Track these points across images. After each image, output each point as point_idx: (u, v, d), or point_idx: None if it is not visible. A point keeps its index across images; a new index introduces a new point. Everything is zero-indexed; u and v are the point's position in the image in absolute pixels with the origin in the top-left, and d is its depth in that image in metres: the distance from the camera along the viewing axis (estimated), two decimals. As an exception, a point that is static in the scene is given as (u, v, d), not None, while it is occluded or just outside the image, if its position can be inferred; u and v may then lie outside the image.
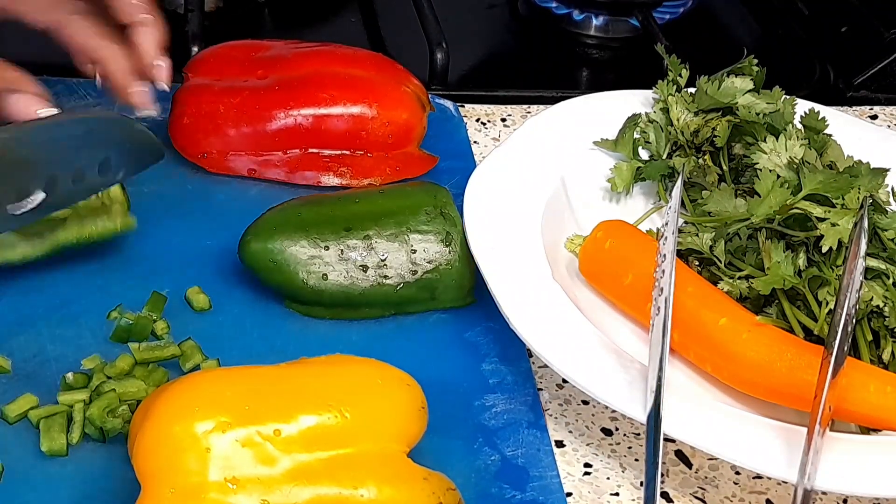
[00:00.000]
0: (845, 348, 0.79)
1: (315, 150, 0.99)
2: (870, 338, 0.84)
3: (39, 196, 0.83)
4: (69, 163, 0.84)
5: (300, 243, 0.88)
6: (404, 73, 1.03)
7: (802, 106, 0.99)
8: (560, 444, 0.84)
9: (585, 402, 0.87)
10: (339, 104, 0.98)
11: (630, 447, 0.84)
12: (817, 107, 0.99)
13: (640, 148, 1.01)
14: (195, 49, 1.16)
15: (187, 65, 1.03)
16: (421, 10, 1.25)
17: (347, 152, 1.00)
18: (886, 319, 0.85)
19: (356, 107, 0.99)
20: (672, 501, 0.81)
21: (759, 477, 0.83)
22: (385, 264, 0.89)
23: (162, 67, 0.91)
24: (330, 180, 0.99)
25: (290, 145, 0.99)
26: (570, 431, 0.85)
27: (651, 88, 1.04)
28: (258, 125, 0.98)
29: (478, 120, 1.14)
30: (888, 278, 0.85)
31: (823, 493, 0.81)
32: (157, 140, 0.89)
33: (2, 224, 0.83)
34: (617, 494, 0.81)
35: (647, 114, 1.02)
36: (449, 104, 1.12)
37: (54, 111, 0.86)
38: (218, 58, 1.02)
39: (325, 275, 0.88)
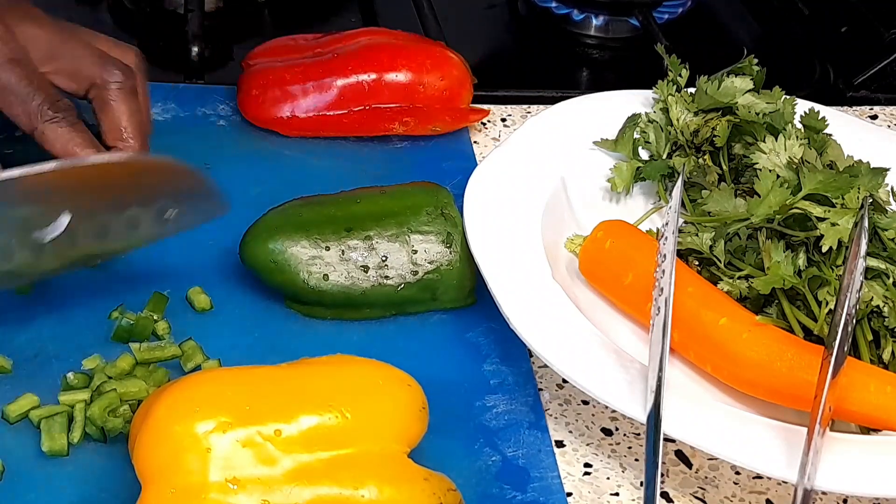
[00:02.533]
0: (845, 348, 0.79)
1: (379, 106, 1.06)
2: (870, 338, 0.85)
3: (64, 220, 0.80)
4: (112, 199, 0.82)
5: (301, 243, 0.88)
6: (446, 48, 1.10)
7: (802, 106, 0.99)
8: (560, 444, 0.84)
9: (585, 402, 0.87)
10: (396, 63, 1.06)
11: (630, 447, 0.84)
12: (817, 107, 0.99)
13: (640, 148, 1.01)
14: (195, 49, 1.17)
15: (246, 57, 1.09)
16: (421, 10, 1.25)
17: (408, 106, 1.06)
18: (886, 319, 0.85)
19: (412, 65, 1.06)
20: (672, 501, 0.81)
21: (759, 477, 0.83)
22: (386, 265, 0.89)
23: None
24: (398, 129, 1.07)
25: (355, 103, 1.06)
26: (570, 431, 0.85)
27: (651, 88, 1.04)
28: (323, 88, 1.06)
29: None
30: (888, 278, 0.85)
31: (823, 493, 0.81)
32: (222, 193, 0.86)
33: (36, 257, 0.82)
34: (617, 494, 0.81)
35: (647, 114, 1.02)
36: (449, 104, 1.12)
37: (98, 155, 0.84)
38: (275, 47, 1.10)
39: (326, 275, 0.88)
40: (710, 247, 0.90)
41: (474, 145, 1.10)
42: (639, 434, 0.85)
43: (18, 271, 0.83)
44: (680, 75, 1.02)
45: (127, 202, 0.83)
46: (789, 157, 0.92)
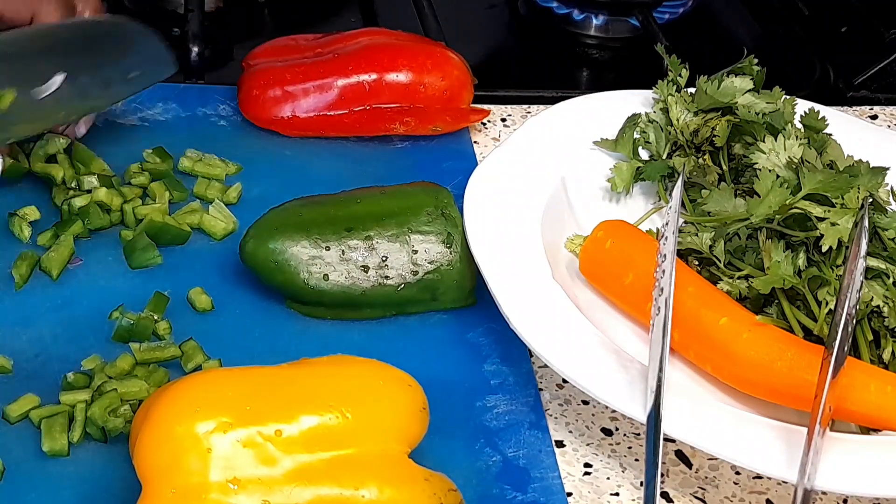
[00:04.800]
0: (845, 348, 0.79)
1: (379, 106, 1.06)
2: (870, 337, 0.85)
3: (59, 78, 0.90)
4: (90, 60, 0.94)
5: (301, 244, 0.88)
6: (447, 48, 1.11)
7: (802, 106, 0.99)
8: (560, 444, 0.84)
9: (585, 402, 0.87)
10: (396, 64, 1.06)
11: (630, 447, 0.84)
12: (817, 106, 0.99)
13: (640, 148, 1.01)
14: (195, 49, 1.17)
15: (246, 57, 1.09)
16: (421, 10, 1.25)
17: (409, 106, 1.06)
18: (886, 319, 0.85)
19: (413, 65, 1.07)
20: (672, 501, 0.81)
21: (759, 477, 0.83)
22: (386, 265, 0.89)
23: None
24: (398, 129, 1.07)
25: (356, 103, 1.06)
26: (571, 431, 0.85)
27: (651, 88, 1.04)
28: (324, 88, 1.06)
29: (478, 120, 1.14)
30: (888, 278, 0.85)
31: (823, 493, 0.81)
32: (172, 53, 0.99)
33: (29, 111, 0.90)
34: (617, 494, 0.81)
35: (647, 114, 1.02)
36: (449, 104, 1.12)
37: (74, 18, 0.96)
38: (276, 47, 1.10)
39: (327, 275, 0.88)
40: (710, 247, 0.90)
41: (474, 145, 1.10)
42: (639, 434, 0.85)
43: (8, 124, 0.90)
44: (680, 75, 1.02)
45: (101, 63, 0.94)
46: (789, 157, 0.92)
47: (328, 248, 0.88)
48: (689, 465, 0.83)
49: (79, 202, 0.93)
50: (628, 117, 1.02)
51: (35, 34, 0.94)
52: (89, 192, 0.94)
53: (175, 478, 0.69)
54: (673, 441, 0.83)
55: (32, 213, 0.93)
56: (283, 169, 1.04)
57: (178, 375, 0.83)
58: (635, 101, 1.05)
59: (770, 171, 0.90)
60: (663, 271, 0.84)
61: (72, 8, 0.98)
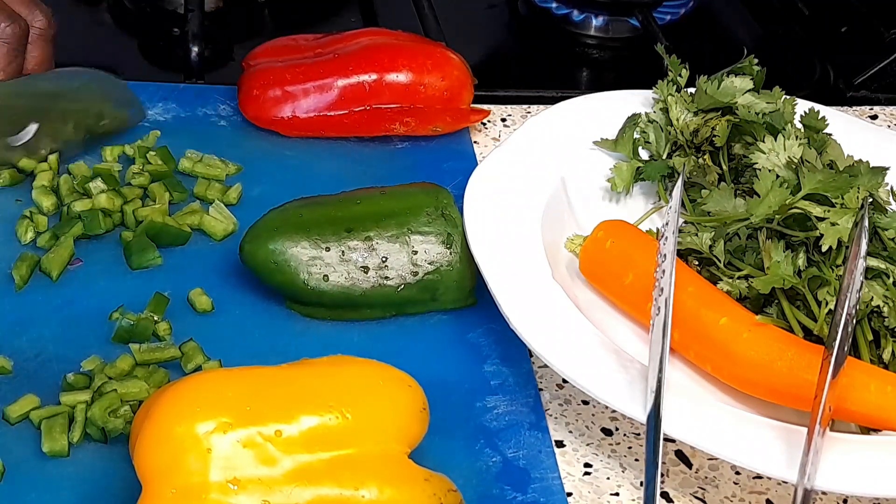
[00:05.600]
0: (845, 348, 0.79)
1: (380, 106, 1.06)
2: (870, 337, 0.85)
3: (33, 127, 0.97)
4: (65, 108, 0.99)
5: (301, 244, 0.88)
6: (447, 48, 1.11)
7: (802, 106, 0.99)
8: (560, 444, 0.84)
9: (585, 402, 0.87)
10: (396, 64, 1.06)
11: (630, 447, 0.84)
12: (817, 106, 0.99)
13: (640, 148, 1.01)
14: (195, 49, 1.17)
15: (247, 57, 1.10)
16: (421, 10, 1.25)
17: (409, 106, 1.06)
18: (886, 319, 0.85)
19: (413, 65, 1.07)
20: (672, 501, 0.81)
21: (759, 477, 0.83)
22: (386, 265, 0.89)
23: None
24: (398, 129, 1.07)
25: (356, 104, 1.06)
26: (571, 431, 0.85)
27: (651, 88, 1.04)
28: (324, 89, 1.06)
29: (478, 120, 1.14)
30: (888, 278, 0.85)
31: (823, 493, 0.81)
32: (140, 102, 1.06)
33: (3, 156, 0.97)
34: (617, 494, 0.81)
35: (647, 114, 1.02)
36: (449, 104, 1.12)
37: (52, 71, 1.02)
38: (276, 47, 1.10)
39: (326, 276, 0.88)
40: (710, 247, 0.90)
41: (474, 145, 1.10)
42: (639, 434, 0.85)
43: None
44: (680, 75, 1.02)
45: (75, 110, 1.00)
46: (789, 157, 0.92)
47: (328, 249, 0.88)
48: (689, 465, 0.83)
49: (79, 206, 0.93)
50: (628, 117, 1.02)
51: (14, 86, 0.98)
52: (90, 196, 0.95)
53: (175, 478, 0.69)
54: (673, 441, 0.83)
55: (42, 221, 0.94)
56: (283, 169, 1.04)
57: (178, 376, 0.83)
58: (635, 101, 1.05)
59: (770, 171, 0.90)
60: (663, 271, 0.84)
61: (11, 16, 0.98)
